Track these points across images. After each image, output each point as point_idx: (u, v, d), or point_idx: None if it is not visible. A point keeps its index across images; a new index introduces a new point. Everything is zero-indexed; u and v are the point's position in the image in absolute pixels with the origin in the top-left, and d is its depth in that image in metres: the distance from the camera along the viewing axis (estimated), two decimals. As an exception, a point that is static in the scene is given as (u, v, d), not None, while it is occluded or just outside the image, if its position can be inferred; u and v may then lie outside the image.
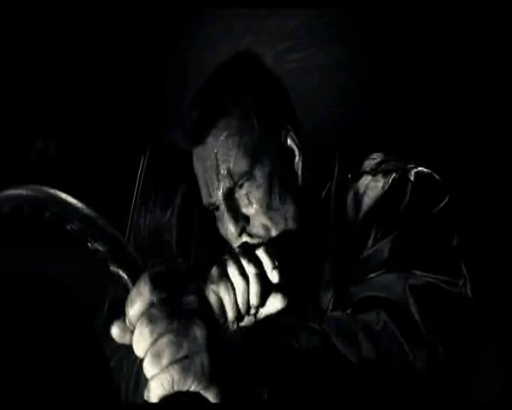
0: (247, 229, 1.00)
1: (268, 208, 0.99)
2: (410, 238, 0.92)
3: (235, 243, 1.01)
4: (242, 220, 0.99)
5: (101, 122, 1.81)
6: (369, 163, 1.05)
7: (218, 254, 1.21)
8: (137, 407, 0.84)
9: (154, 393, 0.57)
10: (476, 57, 1.66)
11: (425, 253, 0.90)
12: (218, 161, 0.99)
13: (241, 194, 0.99)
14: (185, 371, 0.56)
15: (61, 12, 1.29)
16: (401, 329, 0.80)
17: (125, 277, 0.61)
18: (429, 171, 1.01)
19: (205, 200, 1.04)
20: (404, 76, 1.81)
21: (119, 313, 0.59)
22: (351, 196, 1.02)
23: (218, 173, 0.99)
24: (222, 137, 0.99)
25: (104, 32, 1.40)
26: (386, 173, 1.00)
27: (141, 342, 0.57)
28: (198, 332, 0.56)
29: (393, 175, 0.99)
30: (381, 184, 0.99)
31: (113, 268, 0.61)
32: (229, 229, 0.99)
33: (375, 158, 1.06)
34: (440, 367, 0.82)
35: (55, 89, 1.58)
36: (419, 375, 0.79)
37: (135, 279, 0.59)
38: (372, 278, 0.90)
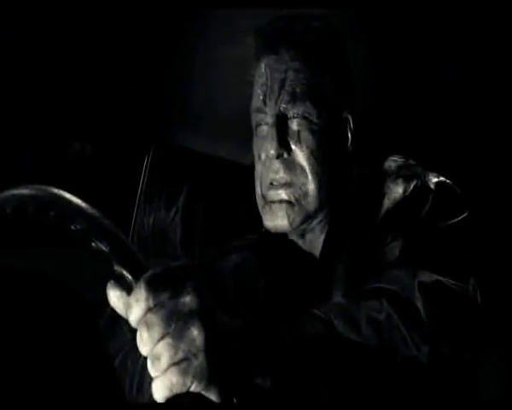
0: (286, 157, 0.98)
1: (313, 156, 0.98)
2: (424, 242, 0.91)
3: (265, 167, 1.00)
4: (285, 147, 0.98)
5: (105, 122, 1.82)
6: (389, 165, 1.05)
7: (215, 252, 1.21)
8: (141, 407, 0.84)
9: (157, 395, 0.57)
10: (475, 57, 1.66)
11: (437, 257, 0.90)
12: (287, 78, 0.98)
13: (293, 125, 0.99)
14: (184, 373, 0.56)
15: (65, 12, 1.29)
16: (404, 321, 0.78)
17: (130, 277, 0.61)
18: (450, 182, 1.00)
19: (256, 104, 1.02)
20: (405, 76, 1.81)
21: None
22: (370, 195, 1.01)
23: (282, 87, 0.98)
24: (298, 63, 0.99)
25: (108, 33, 1.40)
26: (407, 179, 1.00)
27: (142, 347, 0.57)
28: (196, 333, 0.56)
29: (415, 182, 0.99)
30: (401, 189, 0.99)
31: (117, 268, 0.61)
32: (270, 146, 0.97)
33: (396, 160, 1.06)
34: (444, 366, 0.81)
35: (61, 90, 1.59)
36: (421, 369, 0.78)
37: (139, 279, 0.59)
38: (382, 272, 0.89)
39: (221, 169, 2.25)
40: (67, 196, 0.62)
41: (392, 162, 1.06)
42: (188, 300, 0.57)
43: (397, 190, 0.99)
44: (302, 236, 1.05)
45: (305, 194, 0.99)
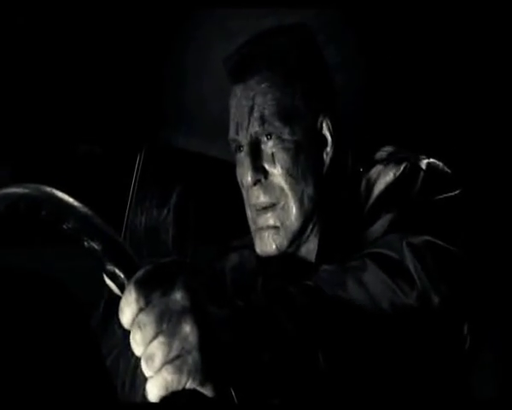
0: (263, 182, 1.01)
1: (289, 174, 1.00)
2: (415, 213, 0.91)
3: (247, 194, 1.03)
4: (261, 172, 1.01)
5: (97, 122, 1.81)
6: (380, 154, 1.06)
7: (214, 252, 1.21)
8: (135, 407, 0.84)
9: (151, 394, 0.57)
10: (474, 57, 1.67)
11: (427, 225, 0.89)
12: (255, 104, 1.00)
13: (266, 148, 1.01)
14: (178, 370, 0.56)
15: (59, 11, 1.29)
16: (391, 274, 0.79)
17: (122, 276, 0.61)
18: (441, 163, 1.01)
19: (231, 135, 1.06)
20: (401, 76, 1.81)
21: (115, 312, 0.60)
22: (363, 184, 1.02)
23: (251, 114, 1.01)
24: (264, 85, 1.01)
25: (101, 32, 1.40)
26: (398, 162, 1.01)
27: (135, 347, 0.57)
28: (188, 330, 0.56)
29: (405, 164, 0.99)
30: (392, 172, 1.00)
31: (109, 267, 0.61)
32: (246, 175, 1.00)
33: (387, 149, 1.07)
34: (433, 318, 0.80)
35: (54, 88, 1.58)
36: (412, 315, 0.78)
37: (131, 278, 0.59)
38: (372, 243, 0.89)
39: (213, 169, 2.25)
40: (59, 194, 0.62)
41: (384, 152, 1.07)
42: (178, 297, 0.57)
43: (388, 174, 1.00)
44: (297, 247, 1.06)
45: (288, 214, 1.01)
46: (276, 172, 1.00)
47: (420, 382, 0.86)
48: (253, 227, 1.06)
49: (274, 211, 1.01)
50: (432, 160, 1.01)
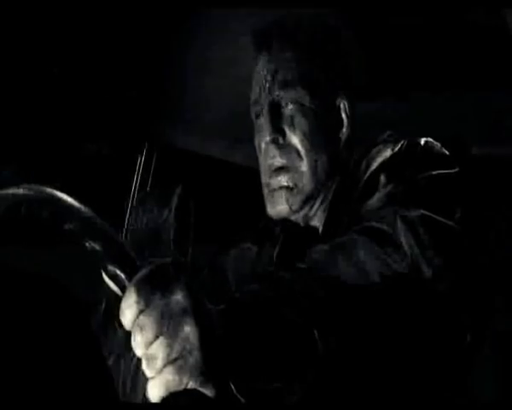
0: (280, 142, 1.03)
1: (306, 139, 1.03)
2: (410, 186, 0.91)
3: (264, 154, 1.05)
4: (280, 132, 1.03)
5: (98, 121, 1.81)
6: (381, 137, 1.08)
7: (215, 252, 1.22)
8: (136, 407, 0.84)
9: (153, 395, 0.57)
10: (473, 57, 1.67)
11: (422, 197, 0.88)
12: (279, 69, 1.04)
13: (286, 111, 1.04)
14: (179, 371, 0.56)
15: (59, 10, 1.29)
16: (381, 245, 0.78)
17: (123, 277, 0.61)
18: (438, 143, 1.01)
19: (253, 97, 1.09)
20: (401, 76, 1.81)
21: (116, 313, 0.60)
22: (363, 163, 1.04)
23: (274, 77, 1.04)
24: (288, 54, 1.05)
25: (102, 31, 1.40)
26: (396, 141, 1.02)
27: (136, 348, 0.57)
28: (189, 331, 0.56)
29: (403, 141, 1.00)
30: (390, 149, 1.01)
31: (110, 268, 0.61)
32: (266, 133, 1.03)
33: (388, 133, 1.09)
34: (424, 291, 0.79)
35: (51, 91, 1.58)
36: (404, 288, 0.77)
37: (132, 279, 0.59)
38: (367, 216, 0.89)
39: (214, 169, 2.25)
40: (61, 195, 0.62)
41: (384, 135, 1.08)
42: (179, 298, 0.57)
43: (386, 150, 1.01)
44: (305, 221, 1.08)
45: (302, 176, 1.03)
46: (294, 135, 1.03)
47: (418, 381, 0.85)
48: (266, 190, 1.08)
49: (288, 173, 1.03)
50: (429, 139, 1.01)
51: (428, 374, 0.86)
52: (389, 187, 0.92)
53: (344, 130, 1.09)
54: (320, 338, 0.66)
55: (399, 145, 1.00)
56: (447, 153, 0.99)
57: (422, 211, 0.83)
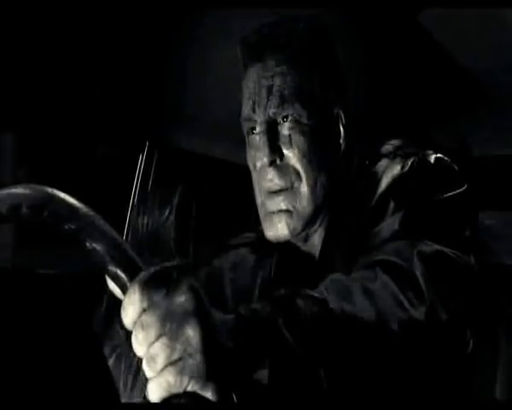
0: (278, 164, 0.99)
1: (305, 158, 0.98)
2: (424, 214, 0.90)
3: (260, 176, 1.01)
4: (277, 153, 0.99)
5: (99, 121, 1.81)
6: (386, 148, 1.05)
7: (216, 252, 1.21)
8: (136, 407, 0.84)
9: (153, 395, 0.57)
10: (473, 57, 1.67)
11: (437, 228, 0.88)
12: (274, 84, 0.99)
13: (283, 130, 0.99)
14: (180, 372, 0.55)
15: (60, 11, 1.29)
16: (401, 287, 0.77)
17: (124, 277, 0.61)
18: (448, 159, 1.00)
19: (245, 113, 1.03)
20: (402, 76, 1.81)
21: (117, 312, 0.60)
22: (369, 179, 1.01)
23: (269, 93, 0.99)
24: (283, 67, 1.00)
25: (103, 31, 1.40)
26: (405, 156, 1.00)
27: (138, 348, 0.57)
28: (191, 333, 0.56)
29: (413, 158, 0.98)
30: (399, 166, 0.98)
31: (111, 268, 0.61)
32: (262, 154, 0.98)
33: (393, 143, 1.06)
34: (440, 333, 0.79)
35: (54, 86, 1.58)
36: (419, 330, 0.76)
37: (133, 279, 0.59)
38: (381, 246, 0.88)
39: (215, 169, 2.26)
40: (61, 195, 0.62)
41: (390, 145, 1.06)
42: (182, 299, 0.57)
43: (395, 168, 0.99)
44: (305, 240, 1.06)
45: (300, 198, 0.99)
46: (292, 155, 0.99)
47: (422, 385, 0.85)
48: (262, 212, 1.04)
49: (286, 195, 1.00)
50: (439, 155, 1.00)
51: (430, 379, 0.86)
52: (400, 213, 0.91)
53: (341, 141, 1.05)
54: (325, 375, 0.66)
55: (409, 163, 0.97)
56: (456, 169, 0.99)
57: (438, 247, 0.83)
